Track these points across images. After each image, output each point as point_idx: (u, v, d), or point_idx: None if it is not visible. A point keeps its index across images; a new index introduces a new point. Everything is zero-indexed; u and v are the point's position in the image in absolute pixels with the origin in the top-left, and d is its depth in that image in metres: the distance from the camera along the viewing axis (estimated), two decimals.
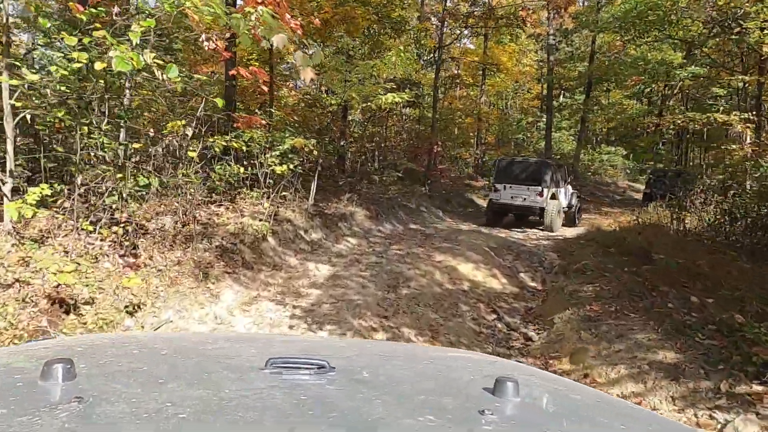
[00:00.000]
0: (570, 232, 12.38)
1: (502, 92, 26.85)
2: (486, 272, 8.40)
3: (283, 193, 8.07)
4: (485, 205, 16.53)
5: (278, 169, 7.23)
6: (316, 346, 1.52)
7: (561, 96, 32.59)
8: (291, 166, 7.43)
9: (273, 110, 9.06)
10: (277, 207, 8.26)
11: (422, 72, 17.86)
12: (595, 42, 26.53)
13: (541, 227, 12.92)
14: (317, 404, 0.87)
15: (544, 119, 28.14)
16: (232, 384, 0.96)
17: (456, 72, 22.98)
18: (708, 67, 16.88)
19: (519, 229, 13.09)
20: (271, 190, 7.52)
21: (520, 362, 2.16)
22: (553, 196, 12.39)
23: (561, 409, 1.05)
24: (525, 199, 12.35)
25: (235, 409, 0.83)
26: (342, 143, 15.40)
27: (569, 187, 13.82)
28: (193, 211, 6.45)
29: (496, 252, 9.90)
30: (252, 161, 7.49)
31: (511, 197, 12.52)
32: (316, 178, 9.02)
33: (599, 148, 30.60)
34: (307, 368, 1.00)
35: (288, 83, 14.07)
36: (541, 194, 12.20)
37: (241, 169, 6.79)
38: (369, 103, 8.56)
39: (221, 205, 7.19)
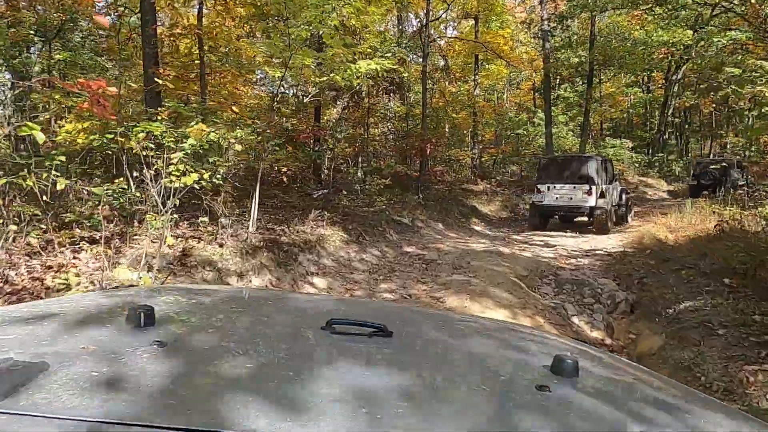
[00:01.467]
0: (612, 244, 9.52)
1: (495, 85, 24.10)
2: (524, 321, 5.47)
3: (202, 219, 5.09)
4: (474, 214, 14.06)
5: (180, 181, 4.26)
6: (376, 309, 1.50)
7: (558, 88, 29.99)
8: (204, 178, 4.47)
9: (188, 97, 6.10)
10: (198, 241, 5.28)
11: (405, 53, 15.02)
12: (594, 24, 23.98)
13: (590, 228, 11.45)
14: (373, 366, 0.89)
15: (541, 114, 25.46)
16: (294, 340, 1.01)
17: (444, 63, 20.21)
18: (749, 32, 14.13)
19: (542, 243, 10.24)
20: (178, 215, 4.55)
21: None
22: (602, 195, 11.15)
23: (622, 392, 1.01)
24: (572, 198, 11.24)
25: (295, 364, 0.88)
26: (316, 148, 12.48)
27: (617, 183, 12.62)
28: (6, 267, 3.47)
29: (529, 282, 6.99)
30: (139, 167, 4.53)
31: (557, 198, 11.42)
32: (257, 191, 6.02)
33: (603, 142, 27.91)
34: (365, 331, 1.01)
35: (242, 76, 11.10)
36: (589, 192, 11.04)
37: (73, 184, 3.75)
38: (333, 75, 5.59)
39: (79, 248, 4.19)
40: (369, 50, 6.90)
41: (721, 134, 35.07)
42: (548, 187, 11.50)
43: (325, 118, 16.38)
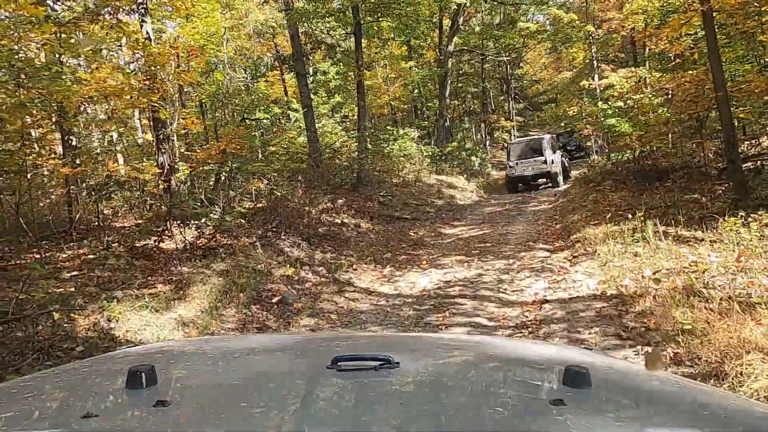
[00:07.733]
0: None
1: (206, 40, 13.35)
2: None
3: None
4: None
5: None
6: (381, 342, 1.48)
7: (314, 63, 21.05)
8: None
9: None
10: None
11: None
12: None
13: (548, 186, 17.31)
14: (381, 401, 0.86)
15: (296, 105, 15.95)
16: (300, 383, 0.99)
17: None
18: None
19: None
20: None
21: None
22: (553, 162, 16.64)
23: (637, 397, 0.98)
24: (533, 168, 16.81)
25: (303, 407, 0.85)
26: None
27: (558, 152, 17.97)
28: None
29: None
30: None
31: (524, 169, 16.99)
32: None
33: (384, 133, 19.80)
34: (371, 365, 0.97)
35: None
36: (545, 162, 16.54)
37: None
38: None
39: None
40: None
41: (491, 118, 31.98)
42: (516, 163, 17.00)
43: None
